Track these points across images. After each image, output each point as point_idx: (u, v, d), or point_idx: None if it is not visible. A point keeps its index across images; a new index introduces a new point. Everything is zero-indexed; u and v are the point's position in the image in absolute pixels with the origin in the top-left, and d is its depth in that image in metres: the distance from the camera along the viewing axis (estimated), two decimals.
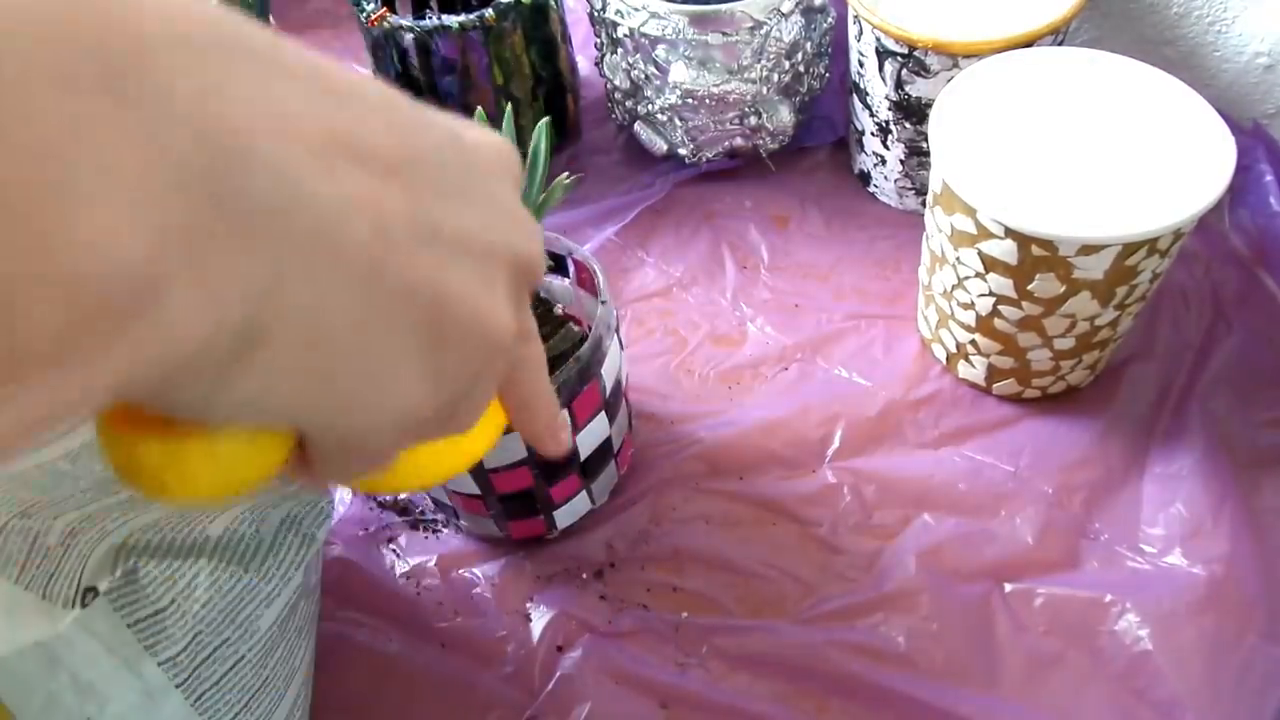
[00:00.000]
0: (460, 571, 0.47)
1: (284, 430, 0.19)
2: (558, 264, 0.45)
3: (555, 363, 0.40)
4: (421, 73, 0.57)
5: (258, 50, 0.15)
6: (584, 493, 0.45)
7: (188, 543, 0.32)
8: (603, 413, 0.43)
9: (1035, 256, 0.41)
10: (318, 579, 0.41)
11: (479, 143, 0.21)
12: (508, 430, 0.26)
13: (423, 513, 0.49)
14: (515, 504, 0.43)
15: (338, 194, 0.15)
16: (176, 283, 0.13)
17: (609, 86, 0.62)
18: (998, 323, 0.45)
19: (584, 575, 0.46)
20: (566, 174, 0.40)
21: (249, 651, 0.35)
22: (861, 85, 0.56)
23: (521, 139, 0.39)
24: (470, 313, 0.18)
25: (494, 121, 0.39)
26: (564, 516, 0.45)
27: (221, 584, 0.33)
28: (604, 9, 0.57)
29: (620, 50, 0.58)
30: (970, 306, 0.46)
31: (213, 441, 0.18)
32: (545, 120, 0.39)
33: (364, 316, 0.16)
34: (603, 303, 0.41)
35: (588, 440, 0.43)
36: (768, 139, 0.60)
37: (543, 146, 0.38)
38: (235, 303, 0.14)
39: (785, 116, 0.59)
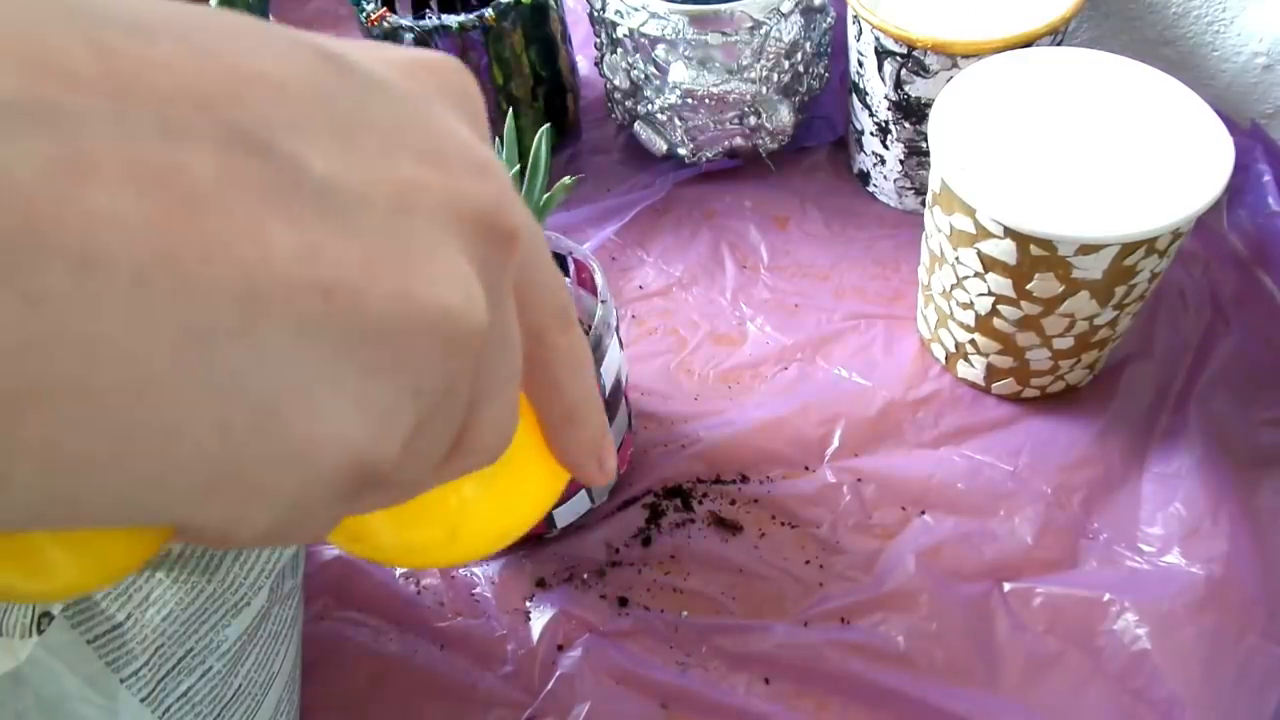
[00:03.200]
0: (460, 571, 0.47)
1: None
2: (559, 264, 0.45)
3: None
4: None
5: None
6: (584, 491, 0.45)
7: None
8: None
9: (1034, 256, 0.41)
10: (297, 582, 0.40)
11: (404, 60, 0.15)
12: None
13: None
14: None
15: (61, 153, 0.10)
16: None
17: (609, 86, 0.62)
18: (997, 322, 0.45)
19: (584, 575, 0.46)
20: (568, 176, 0.40)
21: (217, 662, 0.34)
22: (861, 85, 0.56)
23: (521, 139, 0.39)
24: (392, 295, 0.12)
25: (494, 123, 0.39)
26: (564, 515, 0.45)
27: (182, 596, 0.32)
28: (604, 9, 0.57)
29: (620, 50, 0.58)
30: (969, 306, 0.46)
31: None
32: (546, 126, 0.39)
33: (177, 340, 0.11)
34: (603, 302, 0.41)
35: None
36: (767, 139, 0.60)
37: (544, 150, 0.39)
38: None
39: (785, 116, 0.59)
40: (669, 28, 0.54)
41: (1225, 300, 0.52)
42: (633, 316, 0.57)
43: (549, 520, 0.45)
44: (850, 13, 0.53)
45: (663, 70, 0.56)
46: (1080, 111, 0.43)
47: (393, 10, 0.57)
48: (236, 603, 0.35)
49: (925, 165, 0.56)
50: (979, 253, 0.43)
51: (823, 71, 0.61)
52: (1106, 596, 0.43)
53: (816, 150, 0.64)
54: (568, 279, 0.46)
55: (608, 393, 0.42)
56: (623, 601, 0.45)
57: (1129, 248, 0.39)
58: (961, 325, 0.48)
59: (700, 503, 0.48)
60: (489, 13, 0.55)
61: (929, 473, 0.48)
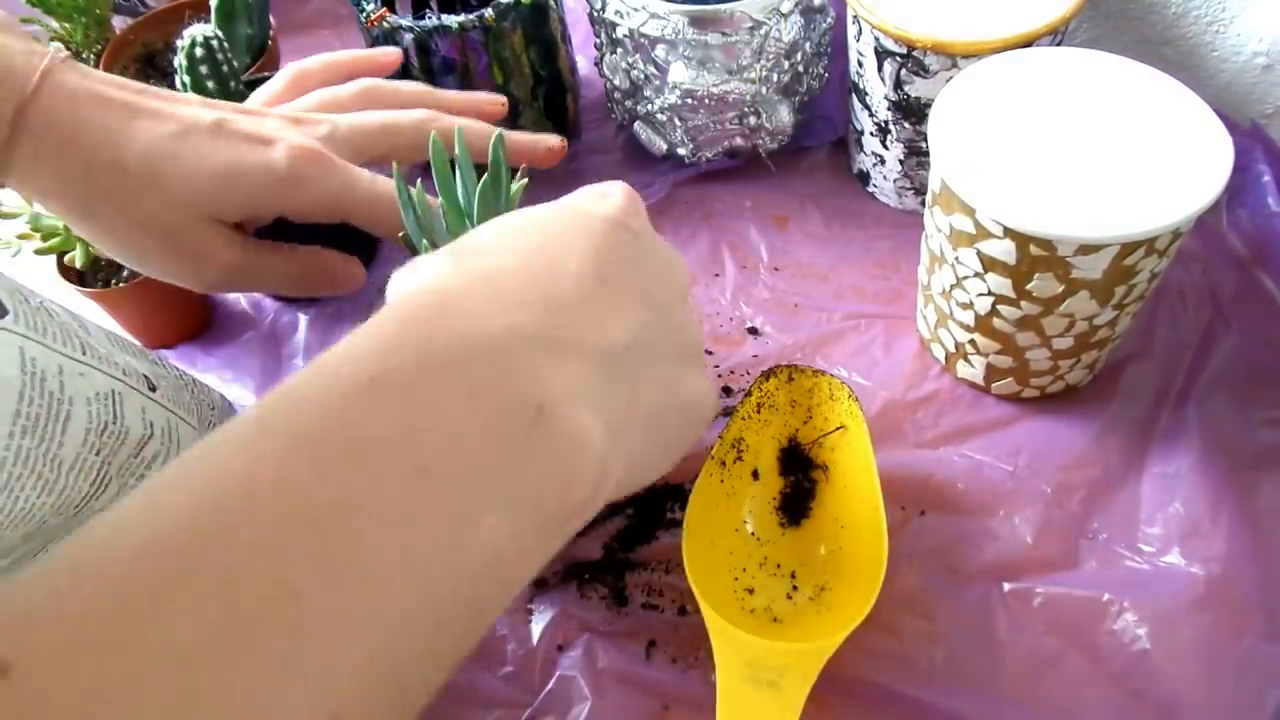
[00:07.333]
0: None
1: None
2: None
3: None
4: (421, 73, 0.57)
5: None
6: None
7: None
8: None
9: (1034, 256, 0.41)
10: None
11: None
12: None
13: None
14: None
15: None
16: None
17: (608, 86, 0.62)
18: (996, 322, 0.45)
19: (584, 575, 0.46)
20: (526, 179, 0.40)
21: None
22: (860, 85, 0.56)
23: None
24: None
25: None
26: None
27: None
28: (603, 9, 0.57)
29: (620, 50, 0.58)
30: (969, 306, 0.46)
31: None
32: (499, 133, 0.38)
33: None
34: None
35: None
36: (767, 139, 0.60)
37: (501, 156, 0.38)
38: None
39: (785, 116, 0.59)
40: (669, 28, 0.54)
41: (1225, 300, 0.52)
42: None
43: None
44: (850, 13, 0.53)
45: (663, 70, 0.56)
46: (1080, 111, 0.43)
47: (393, 10, 0.57)
48: None
49: (925, 165, 0.56)
50: (979, 253, 0.43)
51: (823, 71, 0.61)
52: (1106, 596, 0.43)
53: (816, 150, 0.64)
54: None
55: None
56: (623, 601, 0.45)
57: (1129, 248, 0.39)
58: (961, 325, 0.48)
59: None
60: (489, 13, 0.55)
61: (929, 473, 0.48)
